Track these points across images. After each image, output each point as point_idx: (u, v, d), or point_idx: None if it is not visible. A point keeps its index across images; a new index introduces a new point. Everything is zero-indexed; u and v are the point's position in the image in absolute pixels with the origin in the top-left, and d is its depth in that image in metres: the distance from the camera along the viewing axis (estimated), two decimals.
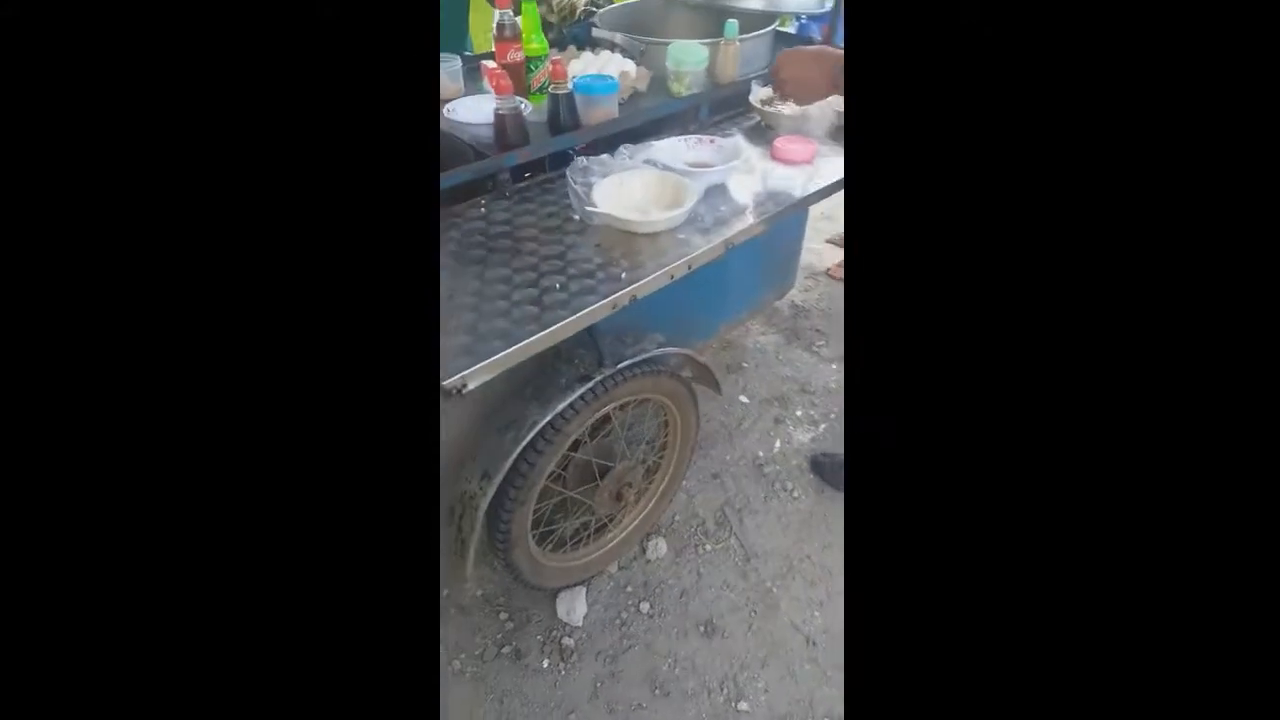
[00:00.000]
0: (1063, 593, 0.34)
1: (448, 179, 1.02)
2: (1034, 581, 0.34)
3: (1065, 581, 0.34)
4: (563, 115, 1.13)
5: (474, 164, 1.06)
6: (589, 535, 1.40)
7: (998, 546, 0.35)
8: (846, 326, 0.39)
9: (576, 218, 1.03)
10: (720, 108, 1.42)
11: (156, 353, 0.32)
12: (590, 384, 1.10)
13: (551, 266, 0.94)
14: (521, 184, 1.13)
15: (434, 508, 0.41)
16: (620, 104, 1.29)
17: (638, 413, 1.32)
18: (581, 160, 1.08)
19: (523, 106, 1.15)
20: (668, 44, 1.30)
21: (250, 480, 0.33)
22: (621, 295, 0.89)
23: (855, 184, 0.36)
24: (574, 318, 0.85)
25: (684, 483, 1.58)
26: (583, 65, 1.31)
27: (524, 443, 1.06)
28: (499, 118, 1.07)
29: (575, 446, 1.21)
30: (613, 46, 1.41)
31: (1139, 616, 0.32)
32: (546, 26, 1.90)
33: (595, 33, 1.43)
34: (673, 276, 0.95)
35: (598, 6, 1.77)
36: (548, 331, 0.83)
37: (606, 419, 1.22)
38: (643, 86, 1.34)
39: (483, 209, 1.06)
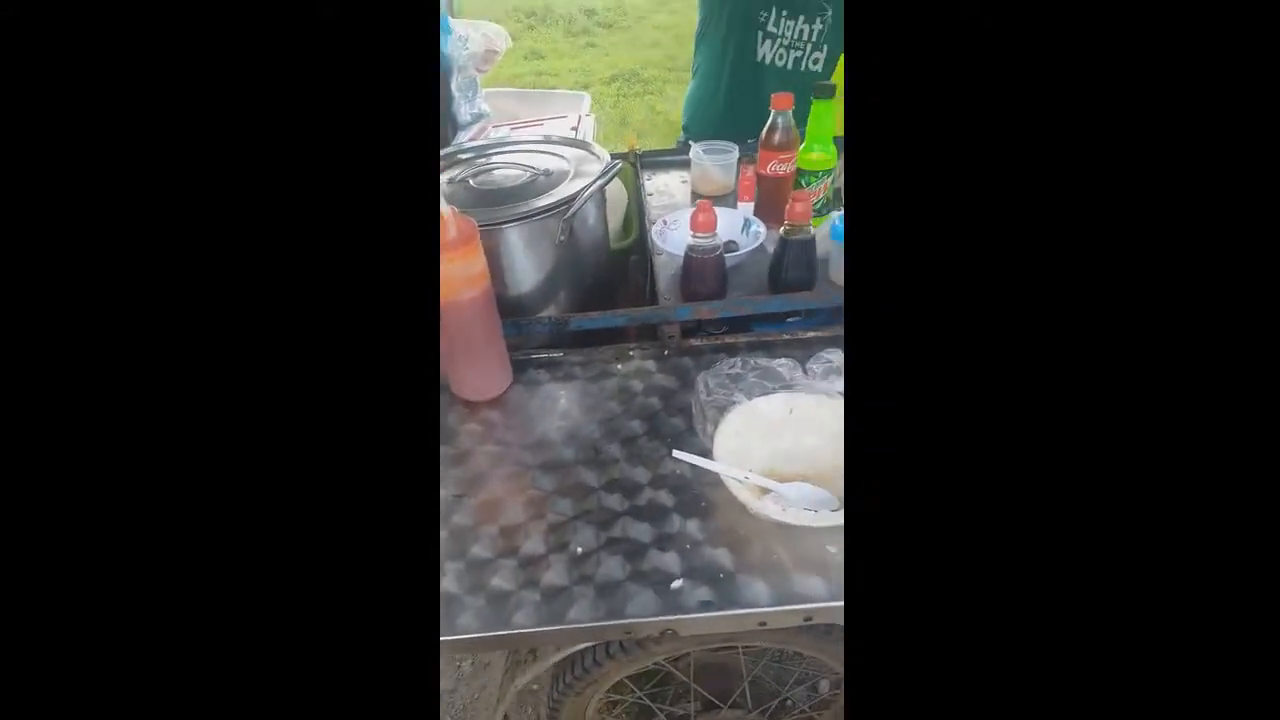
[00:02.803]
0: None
1: (594, 320, 0.79)
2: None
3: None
4: (788, 268, 0.77)
5: (628, 310, 0.80)
6: None
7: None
8: (847, 327, 0.37)
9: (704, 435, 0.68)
10: None
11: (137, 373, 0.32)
12: None
13: (606, 510, 0.64)
14: (697, 341, 0.82)
15: (434, 508, 0.43)
16: None
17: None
18: (730, 362, 0.71)
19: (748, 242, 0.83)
20: None
21: (244, 483, 0.33)
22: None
23: (855, 184, 0.35)
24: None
25: None
26: None
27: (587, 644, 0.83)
28: (689, 259, 0.78)
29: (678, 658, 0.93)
30: None
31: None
32: None
33: None
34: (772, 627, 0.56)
35: None
36: (507, 633, 0.56)
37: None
38: None
39: (618, 367, 0.80)
